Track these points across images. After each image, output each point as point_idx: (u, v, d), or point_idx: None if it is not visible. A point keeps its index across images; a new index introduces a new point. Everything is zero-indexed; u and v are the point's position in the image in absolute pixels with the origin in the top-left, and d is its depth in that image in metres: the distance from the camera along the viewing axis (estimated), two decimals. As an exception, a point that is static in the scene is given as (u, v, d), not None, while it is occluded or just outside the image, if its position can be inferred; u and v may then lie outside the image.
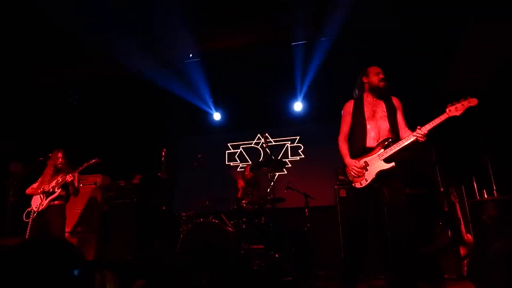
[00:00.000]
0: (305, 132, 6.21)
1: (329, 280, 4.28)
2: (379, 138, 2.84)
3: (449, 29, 4.29)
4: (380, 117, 2.90)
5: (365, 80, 3.03)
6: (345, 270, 2.89)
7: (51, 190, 4.15)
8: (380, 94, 2.97)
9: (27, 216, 4.10)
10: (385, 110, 2.91)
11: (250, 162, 6.19)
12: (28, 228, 4.04)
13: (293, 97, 6.07)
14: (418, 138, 2.66)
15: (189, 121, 6.63)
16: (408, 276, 2.56)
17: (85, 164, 4.27)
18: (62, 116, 6.11)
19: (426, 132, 2.64)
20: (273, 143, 6.30)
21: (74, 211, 5.11)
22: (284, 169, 6.08)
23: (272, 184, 4.44)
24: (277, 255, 3.99)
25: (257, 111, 6.27)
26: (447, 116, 2.62)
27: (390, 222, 2.65)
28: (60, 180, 4.16)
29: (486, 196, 4.41)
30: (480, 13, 3.95)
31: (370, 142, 2.85)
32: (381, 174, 2.73)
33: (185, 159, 6.31)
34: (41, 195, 4.16)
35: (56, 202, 4.16)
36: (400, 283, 2.53)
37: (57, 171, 4.30)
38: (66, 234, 4.91)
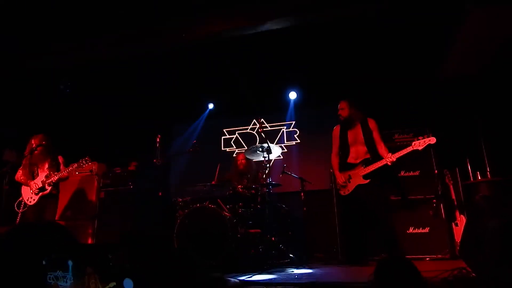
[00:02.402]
0: (300, 117, 6.19)
1: (326, 262, 4.35)
2: (357, 157, 3.73)
3: (445, 14, 4.24)
4: (360, 142, 3.76)
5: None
6: (347, 254, 3.92)
7: (40, 185, 4.09)
8: (351, 123, 3.83)
9: (18, 207, 4.08)
10: (362, 136, 3.75)
11: (246, 148, 6.18)
12: (18, 219, 4.02)
13: (288, 82, 6.03)
14: (387, 163, 3.49)
15: (184, 107, 6.57)
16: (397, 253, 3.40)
17: (75, 165, 4.12)
18: (54, 103, 6.03)
19: (394, 159, 3.46)
20: (269, 128, 6.28)
21: (70, 199, 5.11)
22: (280, 154, 6.07)
23: (268, 169, 4.45)
24: (273, 239, 4.03)
25: (252, 96, 6.22)
26: (412, 149, 3.42)
27: (371, 216, 3.59)
28: (50, 177, 4.09)
29: (479, 178, 4.46)
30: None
31: (352, 159, 3.77)
32: (359, 186, 3.66)
33: (180, 144, 6.29)
34: (32, 190, 4.12)
35: (47, 197, 4.13)
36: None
37: (41, 158, 4.21)
38: (63, 222, 4.93)
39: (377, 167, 3.56)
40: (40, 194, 4.08)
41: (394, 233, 3.60)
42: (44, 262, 1.06)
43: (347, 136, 3.86)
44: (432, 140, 3.35)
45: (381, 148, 3.65)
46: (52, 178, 4.08)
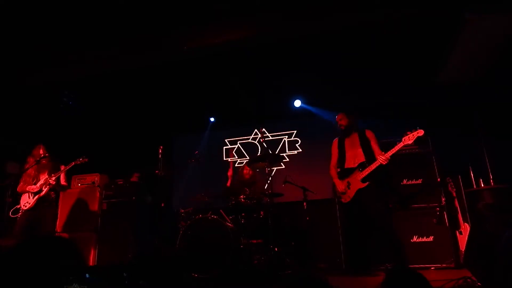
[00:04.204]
0: (302, 126, 6.21)
1: (329, 273, 4.31)
2: (355, 161, 3.82)
3: (443, 20, 4.29)
4: (356, 146, 3.88)
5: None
6: (352, 263, 3.90)
7: (38, 188, 4.14)
8: (350, 131, 3.96)
9: (14, 213, 4.10)
10: (359, 142, 3.87)
11: (248, 157, 6.19)
12: (16, 226, 4.03)
13: (290, 91, 6.06)
14: (381, 162, 3.54)
15: (186, 117, 6.60)
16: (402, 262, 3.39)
17: (72, 163, 4.26)
18: (57, 115, 6.06)
19: (388, 156, 3.52)
20: (270, 138, 6.30)
21: (72, 210, 5.12)
22: (281, 164, 6.08)
23: (270, 178, 4.45)
24: (276, 249, 4.01)
25: (254, 105, 6.24)
26: (403, 143, 3.49)
27: (373, 223, 3.61)
28: (48, 179, 4.14)
29: (482, 185, 4.44)
30: (473, 5, 3.97)
31: (349, 164, 3.86)
32: (359, 191, 3.69)
33: (182, 155, 6.30)
34: (30, 194, 4.15)
35: (45, 202, 4.15)
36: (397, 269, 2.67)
37: (42, 167, 4.26)
38: (65, 234, 4.93)
39: (372, 168, 3.63)
40: (37, 197, 4.09)
41: (399, 240, 3.59)
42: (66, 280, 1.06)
43: (344, 144, 4.00)
44: (420, 132, 3.45)
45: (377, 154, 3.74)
46: (50, 180, 4.11)
